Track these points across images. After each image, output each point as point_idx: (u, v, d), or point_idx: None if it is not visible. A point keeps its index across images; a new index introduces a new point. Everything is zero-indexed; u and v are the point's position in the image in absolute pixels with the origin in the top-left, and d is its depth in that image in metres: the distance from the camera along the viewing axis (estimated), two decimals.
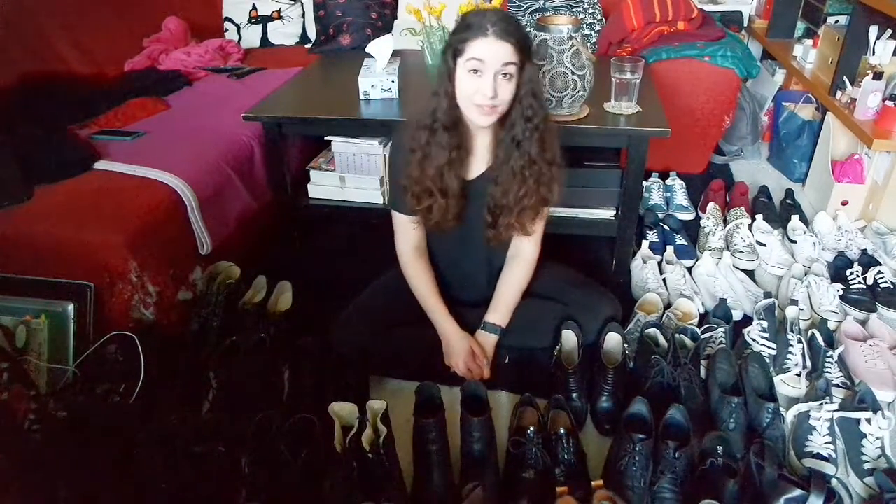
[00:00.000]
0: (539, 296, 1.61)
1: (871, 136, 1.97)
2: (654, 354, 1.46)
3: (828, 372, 1.49)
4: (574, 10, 2.55)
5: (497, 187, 1.42)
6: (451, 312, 1.56)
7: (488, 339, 1.55)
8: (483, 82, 1.26)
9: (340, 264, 2.03)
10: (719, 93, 2.28)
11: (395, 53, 1.98)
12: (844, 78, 2.21)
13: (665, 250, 2.00)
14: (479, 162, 1.46)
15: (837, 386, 1.47)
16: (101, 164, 1.71)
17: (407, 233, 1.53)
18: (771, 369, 1.50)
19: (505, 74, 1.27)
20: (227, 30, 2.83)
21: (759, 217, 2.09)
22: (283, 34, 2.83)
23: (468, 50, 1.25)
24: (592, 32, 2.52)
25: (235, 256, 1.82)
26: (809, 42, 2.57)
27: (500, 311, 1.56)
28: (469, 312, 1.59)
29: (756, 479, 1.20)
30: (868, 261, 1.89)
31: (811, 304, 1.76)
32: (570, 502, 1.15)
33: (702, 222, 2.12)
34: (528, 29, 2.46)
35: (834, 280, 1.84)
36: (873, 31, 2.11)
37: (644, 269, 1.89)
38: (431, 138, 1.35)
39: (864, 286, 1.80)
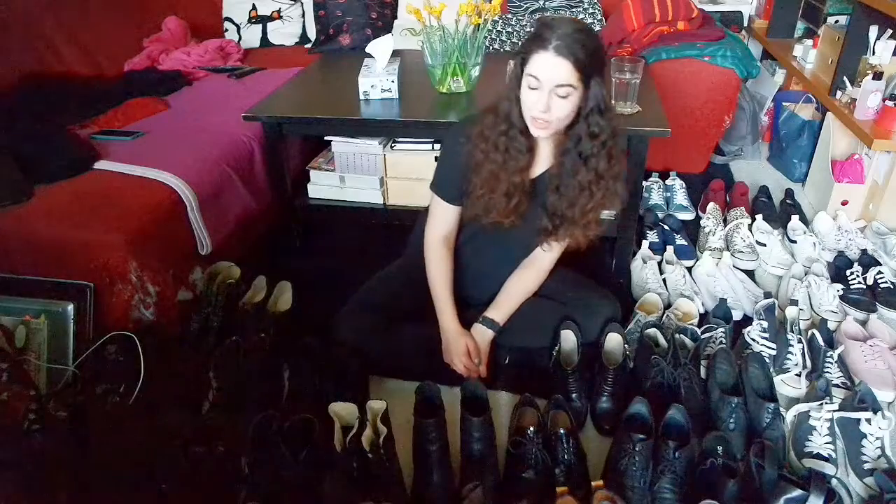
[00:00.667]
0: (539, 296, 1.60)
1: (871, 136, 1.97)
2: (654, 354, 1.46)
3: (828, 372, 1.49)
4: (574, 10, 2.55)
5: (561, 199, 1.41)
6: (458, 312, 1.55)
7: (485, 334, 1.55)
8: (538, 97, 1.26)
9: (340, 264, 2.03)
10: (719, 93, 2.28)
11: (395, 53, 1.98)
12: (844, 78, 2.21)
13: (665, 250, 2.00)
14: (539, 163, 1.45)
15: (837, 386, 1.47)
16: (101, 164, 1.72)
17: (443, 220, 1.53)
18: (771, 369, 1.50)
19: (561, 94, 1.25)
20: (227, 30, 2.83)
21: (759, 217, 2.09)
22: (283, 34, 2.83)
23: (529, 63, 1.25)
24: None
25: (235, 256, 1.82)
26: (809, 42, 2.57)
27: (502, 309, 1.55)
28: (472, 315, 1.59)
29: (756, 479, 1.20)
30: (868, 261, 1.89)
31: (811, 304, 1.76)
32: (570, 502, 1.16)
33: (702, 222, 2.12)
34: (528, 29, 2.47)
35: (834, 280, 1.84)
36: (873, 31, 2.11)
37: (644, 269, 1.89)
38: (510, 144, 1.36)
39: (864, 286, 1.80)
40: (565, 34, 1.22)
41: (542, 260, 1.55)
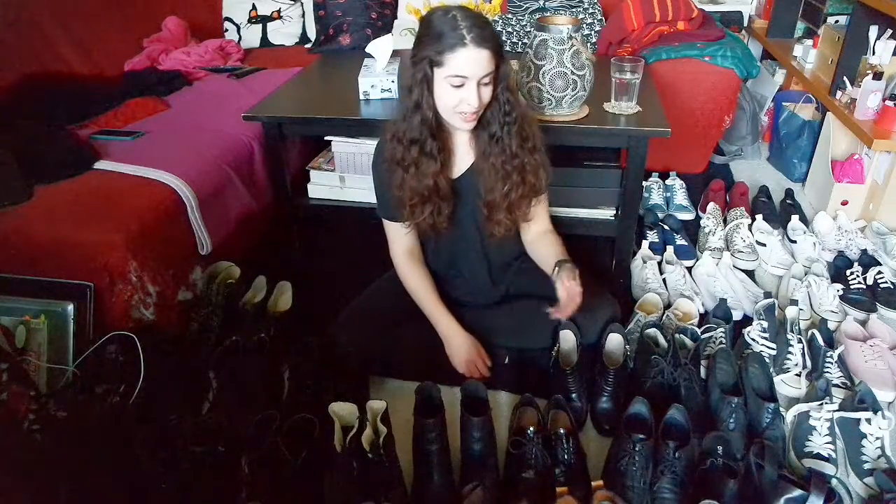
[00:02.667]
0: (538, 296, 1.60)
1: (871, 136, 1.97)
2: (654, 354, 1.46)
3: (828, 372, 1.49)
4: (574, 10, 2.55)
5: (484, 184, 1.42)
6: (452, 313, 1.55)
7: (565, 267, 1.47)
8: (468, 93, 1.26)
9: (340, 264, 2.03)
10: (719, 93, 2.28)
11: (395, 53, 1.98)
12: (844, 78, 2.21)
13: (665, 250, 2.00)
14: (461, 159, 1.46)
15: (837, 386, 1.48)
16: (101, 164, 1.71)
17: (399, 239, 1.54)
18: (771, 369, 1.50)
19: (485, 82, 1.27)
20: (227, 30, 2.83)
21: (759, 217, 2.09)
22: (283, 34, 2.83)
23: (448, 63, 1.23)
24: (592, 32, 2.52)
25: (235, 256, 1.82)
26: (809, 42, 2.57)
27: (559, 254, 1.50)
28: (469, 313, 1.59)
29: (756, 479, 1.20)
30: (868, 261, 1.89)
31: (811, 304, 1.76)
32: (570, 502, 1.15)
33: (702, 222, 2.12)
34: (528, 29, 2.47)
35: (834, 280, 1.84)
36: (873, 31, 2.11)
37: (644, 269, 1.89)
38: (421, 152, 1.35)
39: (864, 286, 1.80)
40: (473, 25, 1.22)
41: (538, 230, 1.55)
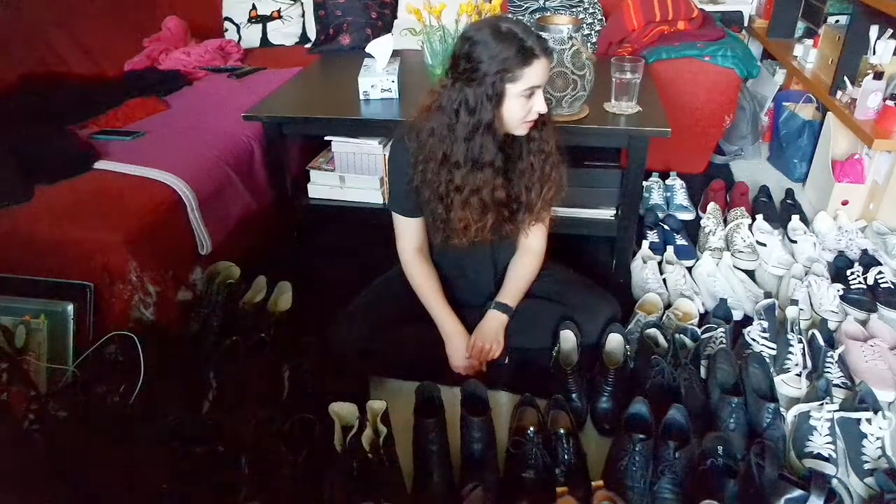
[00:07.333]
0: (538, 297, 1.60)
1: (872, 136, 1.97)
2: (654, 354, 1.46)
3: (828, 372, 1.49)
4: (574, 10, 2.55)
5: (513, 185, 1.41)
6: (455, 314, 1.55)
7: (499, 318, 1.54)
8: (537, 100, 1.28)
9: (340, 264, 2.03)
10: (719, 93, 2.28)
11: (395, 53, 1.98)
12: (845, 78, 2.21)
13: (665, 250, 2.00)
14: None
15: (838, 386, 1.47)
16: (101, 164, 1.72)
17: (409, 234, 1.53)
18: (771, 369, 1.50)
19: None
20: (226, 30, 2.83)
21: (759, 217, 2.09)
22: (283, 34, 2.83)
23: (525, 76, 1.24)
24: (592, 32, 2.52)
25: (235, 256, 1.82)
26: (810, 42, 2.57)
27: (510, 293, 1.55)
28: (472, 314, 1.59)
29: (756, 479, 1.19)
30: (868, 261, 1.89)
31: (811, 304, 1.76)
32: (570, 502, 1.15)
33: (702, 222, 2.12)
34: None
35: (834, 280, 1.84)
36: (873, 30, 2.11)
37: (644, 269, 1.89)
38: (494, 171, 1.34)
39: (865, 286, 1.80)
40: (537, 36, 1.25)
41: (532, 244, 1.56)
